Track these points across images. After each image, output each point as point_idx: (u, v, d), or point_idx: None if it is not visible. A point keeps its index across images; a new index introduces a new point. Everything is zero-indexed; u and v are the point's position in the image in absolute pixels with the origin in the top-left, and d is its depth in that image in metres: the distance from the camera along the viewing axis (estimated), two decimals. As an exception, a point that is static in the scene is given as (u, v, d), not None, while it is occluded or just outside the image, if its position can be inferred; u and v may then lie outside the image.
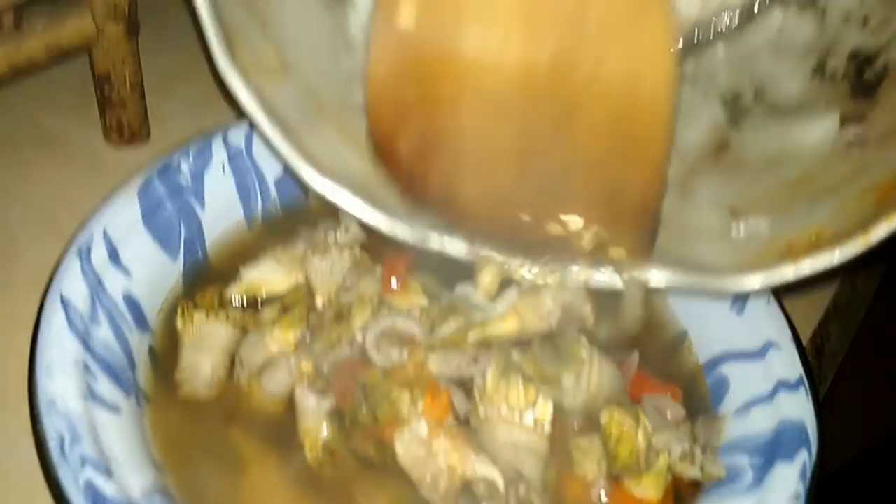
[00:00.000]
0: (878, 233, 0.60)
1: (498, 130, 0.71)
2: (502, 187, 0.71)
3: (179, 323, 0.72)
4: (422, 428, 0.61)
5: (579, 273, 0.69)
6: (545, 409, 0.65)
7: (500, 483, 0.60)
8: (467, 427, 0.65)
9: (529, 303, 0.66)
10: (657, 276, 0.69)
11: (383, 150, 0.71)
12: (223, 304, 0.74)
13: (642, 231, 0.68)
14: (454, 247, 0.71)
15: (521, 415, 0.64)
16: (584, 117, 0.68)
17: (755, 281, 0.65)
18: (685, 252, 0.69)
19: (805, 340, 0.97)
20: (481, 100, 0.70)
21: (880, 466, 1.34)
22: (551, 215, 0.70)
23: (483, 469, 0.60)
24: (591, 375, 0.65)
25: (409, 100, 0.71)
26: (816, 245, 0.63)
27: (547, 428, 0.64)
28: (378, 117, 0.72)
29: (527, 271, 0.69)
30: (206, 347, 0.70)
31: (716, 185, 0.71)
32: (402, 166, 0.71)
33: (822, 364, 1.00)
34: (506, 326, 0.65)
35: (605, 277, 0.71)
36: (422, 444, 0.60)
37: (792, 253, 0.64)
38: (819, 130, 0.68)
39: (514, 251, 0.70)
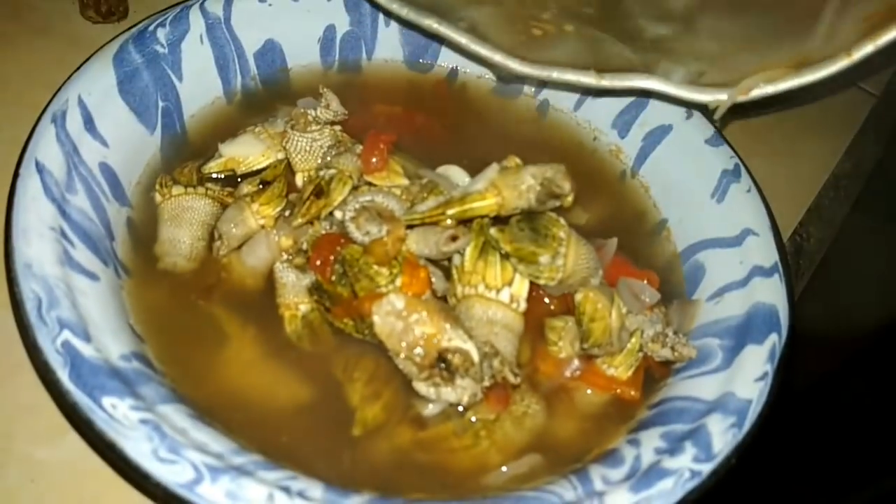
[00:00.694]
0: (863, 51, 0.65)
1: None
2: None
3: (158, 197, 0.71)
4: (399, 300, 0.61)
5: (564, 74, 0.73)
6: (521, 287, 0.65)
7: (475, 355, 0.61)
8: (444, 302, 0.66)
9: (509, 179, 0.65)
10: (646, 83, 0.73)
11: None
12: (201, 179, 0.73)
13: None
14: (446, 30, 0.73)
15: (497, 292, 0.65)
16: None
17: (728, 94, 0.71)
18: (677, 70, 0.74)
19: (785, 238, 0.98)
20: None
21: (857, 375, 1.35)
22: None
23: (458, 341, 0.61)
24: (568, 255, 0.65)
25: None
26: (803, 63, 0.68)
27: (522, 305, 0.65)
28: None
29: (516, 64, 0.72)
30: (184, 221, 0.70)
31: (720, 21, 0.73)
32: None
33: (799, 263, 1.01)
34: (485, 203, 0.65)
35: (591, 80, 0.74)
36: (399, 316, 0.61)
37: (777, 71, 0.70)
38: None
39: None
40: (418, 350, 0.61)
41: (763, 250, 0.71)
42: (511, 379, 0.62)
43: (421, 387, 0.61)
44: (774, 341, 0.64)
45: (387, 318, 0.61)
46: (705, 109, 0.77)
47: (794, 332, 0.66)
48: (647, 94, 0.79)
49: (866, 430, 1.19)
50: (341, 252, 0.65)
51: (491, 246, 0.65)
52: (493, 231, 0.65)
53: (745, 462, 0.59)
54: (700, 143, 0.79)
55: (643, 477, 0.56)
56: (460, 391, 0.61)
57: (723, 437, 0.58)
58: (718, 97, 0.71)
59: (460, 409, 0.63)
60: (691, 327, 0.70)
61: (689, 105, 0.77)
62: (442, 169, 0.73)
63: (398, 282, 0.64)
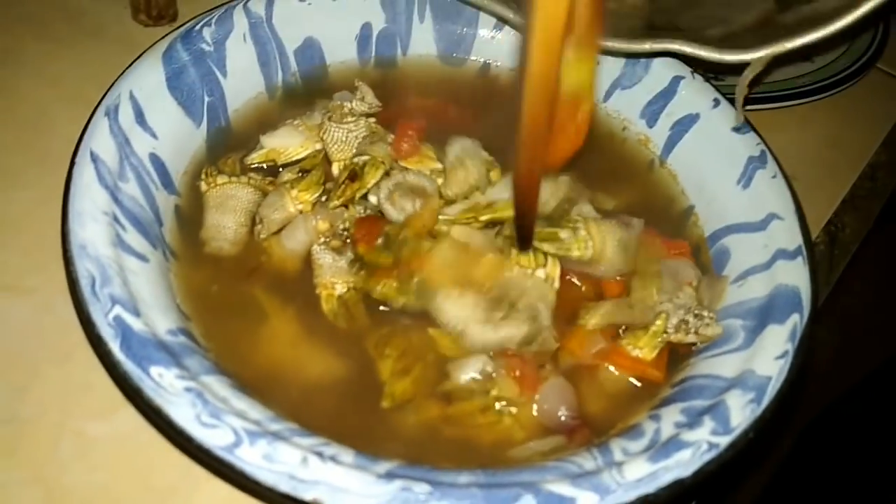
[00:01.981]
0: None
1: None
2: None
3: (203, 185, 0.75)
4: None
5: None
6: (554, 268, 0.69)
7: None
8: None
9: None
10: (672, 46, 0.78)
11: None
12: (244, 169, 0.77)
13: None
14: None
15: (532, 272, 0.68)
16: None
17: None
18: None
19: (819, 228, 0.99)
20: None
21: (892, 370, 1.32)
22: None
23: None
24: (591, 230, 0.69)
25: None
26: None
27: (556, 283, 0.68)
28: None
29: None
30: (228, 208, 0.74)
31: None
32: None
33: (833, 253, 1.01)
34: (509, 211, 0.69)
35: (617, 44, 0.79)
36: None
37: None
38: None
39: None
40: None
41: (787, 234, 0.72)
42: (551, 344, 0.66)
43: (475, 328, 0.65)
44: (796, 321, 0.65)
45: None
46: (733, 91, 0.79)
47: (816, 313, 0.67)
48: (672, 56, 0.83)
49: None
50: (384, 228, 0.68)
51: None
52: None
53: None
54: (727, 130, 0.81)
55: (662, 448, 0.57)
56: (516, 326, 0.64)
57: (741, 412, 0.59)
58: (742, 57, 0.75)
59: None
60: (721, 304, 0.72)
61: (716, 66, 0.80)
62: (458, 144, 0.76)
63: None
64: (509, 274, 0.68)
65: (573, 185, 0.75)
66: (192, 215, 0.75)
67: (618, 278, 0.73)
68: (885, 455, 1.15)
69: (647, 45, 0.77)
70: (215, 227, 0.73)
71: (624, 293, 0.72)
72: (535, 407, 0.65)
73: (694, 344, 0.69)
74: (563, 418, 0.65)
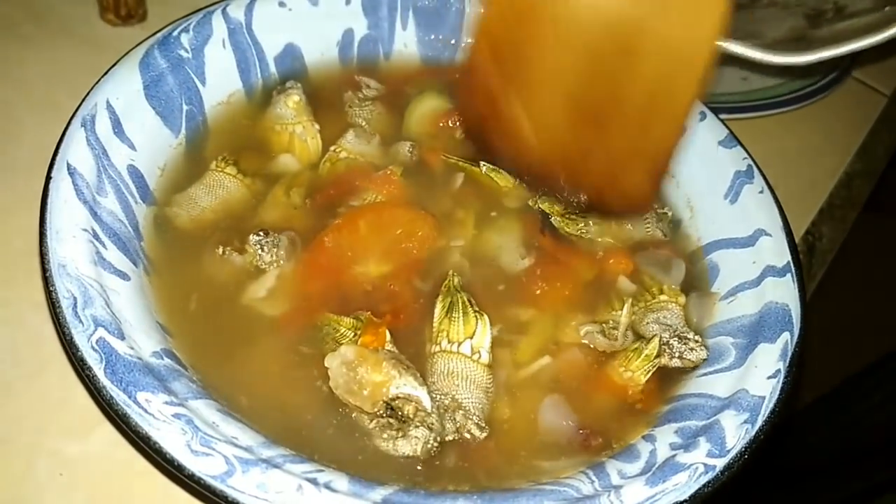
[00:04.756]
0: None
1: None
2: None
3: (213, 164, 0.75)
4: (350, 350, 0.62)
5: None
6: (482, 338, 0.66)
7: (427, 402, 0.61)
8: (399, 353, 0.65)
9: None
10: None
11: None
12: (255, 173, 0.77)
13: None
14: None
15: (459, 345, 0.65)
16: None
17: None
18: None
19: (797, 238, 0.99)
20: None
21: (870, 376, 1.32)
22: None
23: (408, 388, 0.61)
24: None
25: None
26: None
27: (485, 356, 0.66)
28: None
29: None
30: (213, 193, 0.74)
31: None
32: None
33: (811, 263, 1.02)
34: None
35: None
36: (350, 367, 0.62)
37: None
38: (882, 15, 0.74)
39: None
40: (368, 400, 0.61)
41: (775, 250, 0.72)
42: (476, 433, 0.63)
43: (380, 443, 0.61)
44: (787, 340, 0.65)
45: (339, 369, 0.62)
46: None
47: (806, 331, 0.67)
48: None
49: (881, 433, 1.19)
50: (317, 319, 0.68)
51: (458, 304, 0.67)
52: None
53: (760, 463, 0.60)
54: (714, 144, 0.81)
55: (658, 471, 0.57)
56: (414, 441, 0.60)
57: (736, 432, 0.59)
58: (794, 60, 0.78)
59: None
60: (713, 320, 0.72)
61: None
62: None
63: (360, 341, 0.65)
64: (432, 360, 0.66)
65: None
66: (170, 223, 0.72)
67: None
68: (857, 462, 1.17)
69: None
70: (189, 198, 0.73)
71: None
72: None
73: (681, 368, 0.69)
74: (572, 430, 0.64)
